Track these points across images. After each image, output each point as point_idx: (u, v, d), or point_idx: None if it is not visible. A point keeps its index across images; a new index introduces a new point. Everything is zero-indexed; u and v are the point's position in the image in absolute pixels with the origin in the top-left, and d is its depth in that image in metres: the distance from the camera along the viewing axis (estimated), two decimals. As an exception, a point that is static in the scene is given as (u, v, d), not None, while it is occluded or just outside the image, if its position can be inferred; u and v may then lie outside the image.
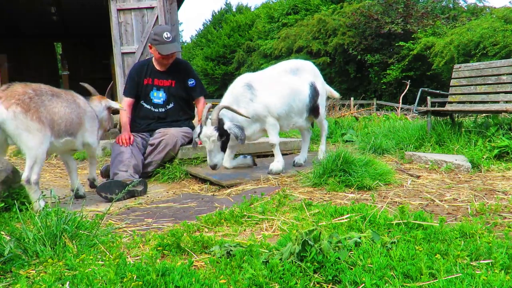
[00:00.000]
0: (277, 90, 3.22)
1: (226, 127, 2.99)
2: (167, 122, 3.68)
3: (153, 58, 3.67)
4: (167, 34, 3.46)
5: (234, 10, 40.26)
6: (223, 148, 3.03)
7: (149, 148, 3.50)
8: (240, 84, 3.20)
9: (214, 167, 3.00)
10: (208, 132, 2.94)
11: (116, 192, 2.76)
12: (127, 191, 2.62)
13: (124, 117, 3.61)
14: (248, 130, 3.18)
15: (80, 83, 3.34)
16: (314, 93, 3.44)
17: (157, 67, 3.68)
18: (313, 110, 3.50)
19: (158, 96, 3.68)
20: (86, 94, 3.18)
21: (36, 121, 2.46)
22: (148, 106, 3.68)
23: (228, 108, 3.01)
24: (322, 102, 3.58)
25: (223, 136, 2.98)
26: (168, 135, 3.50)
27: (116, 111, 3.41)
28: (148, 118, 3.68)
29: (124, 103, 3.66)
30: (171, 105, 3.71)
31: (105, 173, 3.47)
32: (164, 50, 3.46)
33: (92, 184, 3.27)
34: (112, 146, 3.41)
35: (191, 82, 3.75)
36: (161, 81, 3.69)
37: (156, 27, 3.93)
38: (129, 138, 3.40)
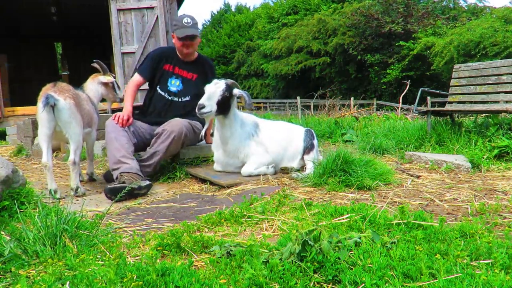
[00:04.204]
0: None
1: (235, 92, 3.08)
2: (178, 115, 3.47)
3: (176, 49, 3.56)
4: (187, 19, 3.40)
5: (233, 10, 40.28)
6: (219, 104, 2.97)
7: (153, 139, 3.32)
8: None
9: (201, 107, 2.90)
10: (218, 80, 3.06)
11: (124, 198, 2.74)
12: (127, 191, 2.61)
13: (129, 96, 3.42)
14: None
15: (94, 61, 3.58)
16: None
17: (181, 58, 3.58)
18: None
19: (176, 85, 3.54)
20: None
21: (80, 113, 2.97)
22: (163, 93, 3.52)
23: (237, 85, 3.16)
24: None
25: (227, 94, 3.00)
26: (173, 122, 3.30)
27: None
28: (160, 108, 3.52)
29: (133, 79, 3.52)
30: (187, 98, 3.56)
31: (108, 178, 3.37)
32: (180, 32, 3.38)
33: (91, 178, 3.57)
34: (107, 126, 3.21)
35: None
36: (182, 71, 3.56)
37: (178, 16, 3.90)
38: (128, 120, 3.24)
